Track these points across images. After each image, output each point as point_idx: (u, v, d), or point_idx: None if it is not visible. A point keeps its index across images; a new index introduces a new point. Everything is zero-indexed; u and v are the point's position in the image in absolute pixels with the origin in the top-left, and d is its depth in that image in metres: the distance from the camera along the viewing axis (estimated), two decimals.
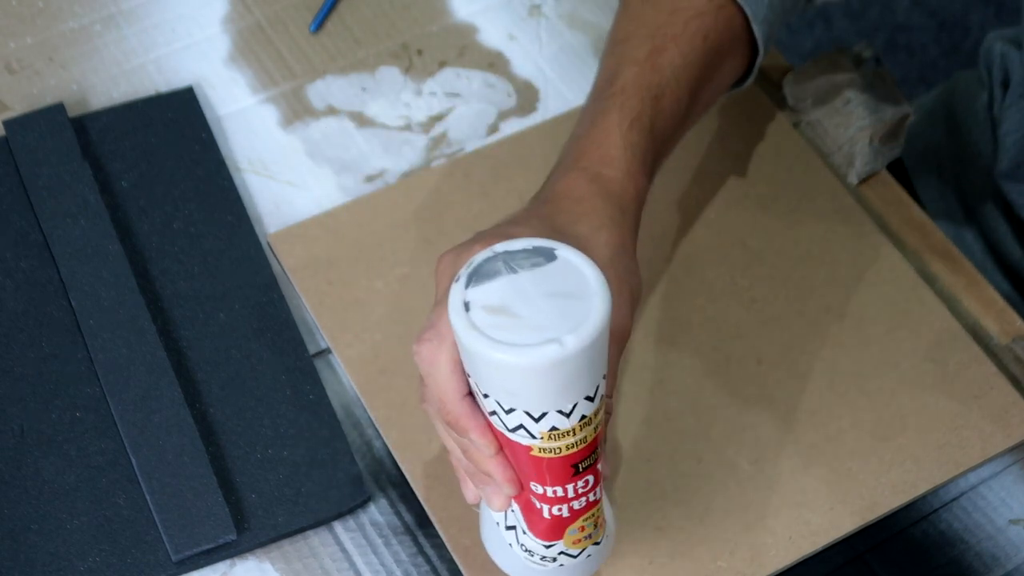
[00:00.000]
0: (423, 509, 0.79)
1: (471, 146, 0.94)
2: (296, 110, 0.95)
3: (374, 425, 0.82)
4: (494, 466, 0.66)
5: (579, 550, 0.70)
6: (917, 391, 0.84)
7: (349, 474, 0.80)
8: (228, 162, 0.92)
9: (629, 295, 0.71)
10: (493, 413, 0.64)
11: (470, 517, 0.78)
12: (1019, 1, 1.01)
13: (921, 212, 0.92)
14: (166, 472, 0.79)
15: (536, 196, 0.75)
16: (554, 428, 0.63)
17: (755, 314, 0.86)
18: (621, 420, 0.82)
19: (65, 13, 0.99)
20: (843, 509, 0.79)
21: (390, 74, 0.97)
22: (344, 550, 0.79)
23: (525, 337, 0.61)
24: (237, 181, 0.91)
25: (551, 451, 0.64)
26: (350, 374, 0.83)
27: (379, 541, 0.79)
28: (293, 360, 0.84)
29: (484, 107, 0.96)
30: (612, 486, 0.79)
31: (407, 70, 0.97)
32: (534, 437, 0.64)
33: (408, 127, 0.95)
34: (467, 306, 0.62)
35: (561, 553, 0.70)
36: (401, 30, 0.99)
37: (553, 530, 0.69)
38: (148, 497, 0.78)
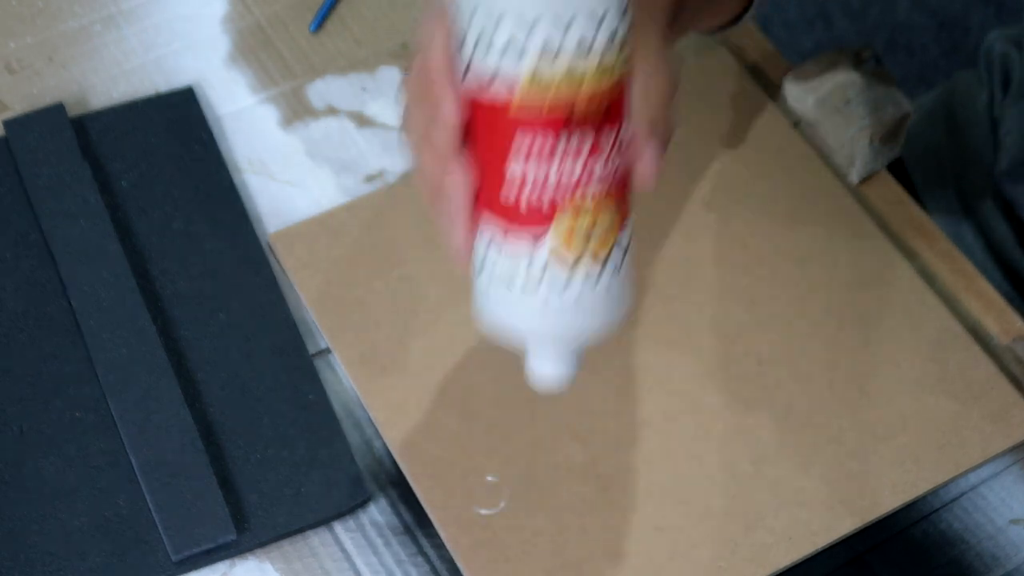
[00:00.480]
0: (423, 509, 0.79)
1: None
2: (296, 110, 0.95)
3: (374, 425, 0.82)
4: (452, 163, 0.58)
5: (570, 267, 0.58)
6: (917, 391, 0.84)
7: (349, 474, 0.80)
8: (228, 162, 0.92)
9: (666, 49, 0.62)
10: (471, 69, 0.56)
11: (470, 517, 0.78)
12: (1020, 1, 1.00)
13: (921, 212, 0.92)
14: (166, 472, 0.79)
15: None
16: (544, 53, 0.54)
17: (755, 314, 0.86)
18: (621, 420, 0.82)
19: (65, 13, 0.99)
20: (843, 509, 0.79)
21: (390, 74, 0.97)
22: (344, 550, 0.79)
23: None
24: (237, 181, 0.91)
25: (536, 99, 0.55)
26: (350, 374, 0.83)
27: (379, 541, 0.79)
28: (293, 360, 0.84)
29: None
30: (614, 484, 0.79)
31: (407, 70, 0.97)
32: (519, 68, 0.55)
33: None
34: None
35: (548, 263, 0.58)
36: (401, 30, 0.99)
37: (535, 217, 0.57)
38: (148, 497, 0.78)
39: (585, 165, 0.57)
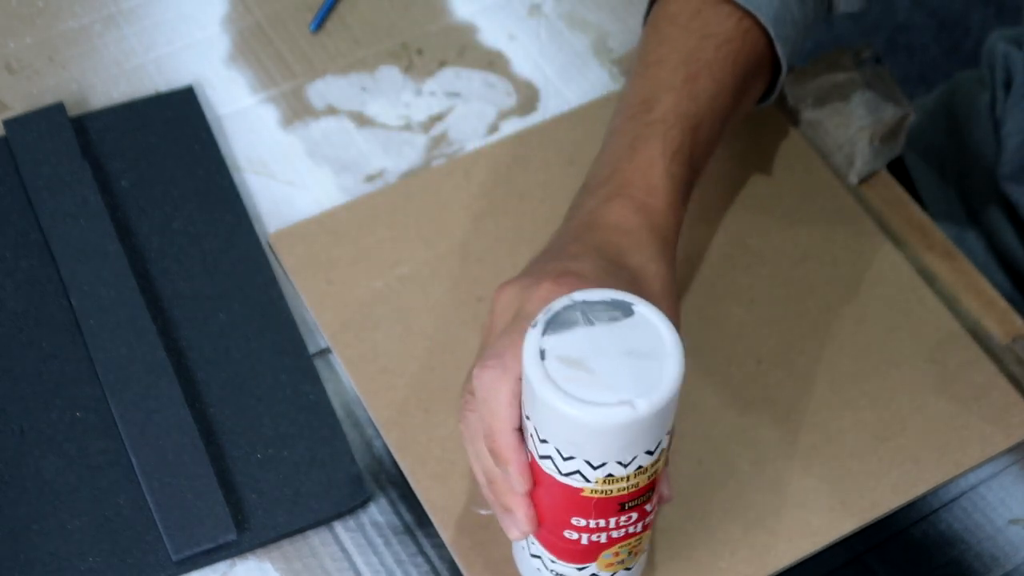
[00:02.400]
0: (423, 509, 0.79)
1: (471, 146, 0.94)
2: (296, 110, 0.95)
3: (374, 425, 0.82)
4: (519, 504, 0.68)
5: (611, 572, 0.71)
6: (917, 391, 0.84)
7: (349, 474, 0.80)
8: (228, 162, 0.92)
9: (676, 322, 0.72)
10: (546, 457, 0.65)
11: (470, 517, 0.78)
12: (1020, 1, 1.00)
13: (921, 212, 0.92)
14: (166, 472, 0.79)
15: (578, 217, 0.75)
16: (610, 475, 0.65)
17: (755, 314, 0.86)
18: None
19: (65, 13, 0.99)
20: (843, 509, 0.79)
21: (390, 74, 0.97)
22: (344, 550, 0.79)
23: (598, 396, 0.62)
24: (237, 181, 0.91)
25: (602, 492, 0.65)
26: (350, 374, 0.83)
27: (379, 541, 0.79)
28: (293, 360, 0.84)
29: (484, 107, 0.96)
30: None
31: (407, 70, 0.97)
32: (588, 481, 0.65)
33: (408, 127, 0.95)
34: (543, 354, 0.63)
35: (593, 575, 0.71)
36: (401, 30, 0.99)
37: (587, 555, 0.70)
38: (148, 497, 0.78)
39: (631, 525, 0.68)
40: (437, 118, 0.95)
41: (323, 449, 0.81)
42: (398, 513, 0.80)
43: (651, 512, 0.69)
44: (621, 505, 0.66)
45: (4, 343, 0.83)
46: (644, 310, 0.65)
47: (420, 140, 0.94)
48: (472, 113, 0.95)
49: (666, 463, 0.68)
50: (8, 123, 0.91)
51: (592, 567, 0.70)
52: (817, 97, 0.93)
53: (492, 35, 0.99)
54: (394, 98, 0.96)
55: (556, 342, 0.63)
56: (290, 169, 0.93)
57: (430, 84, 0.96)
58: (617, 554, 0.70)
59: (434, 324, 0.85)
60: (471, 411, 0.70)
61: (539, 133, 0.94)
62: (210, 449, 0.80)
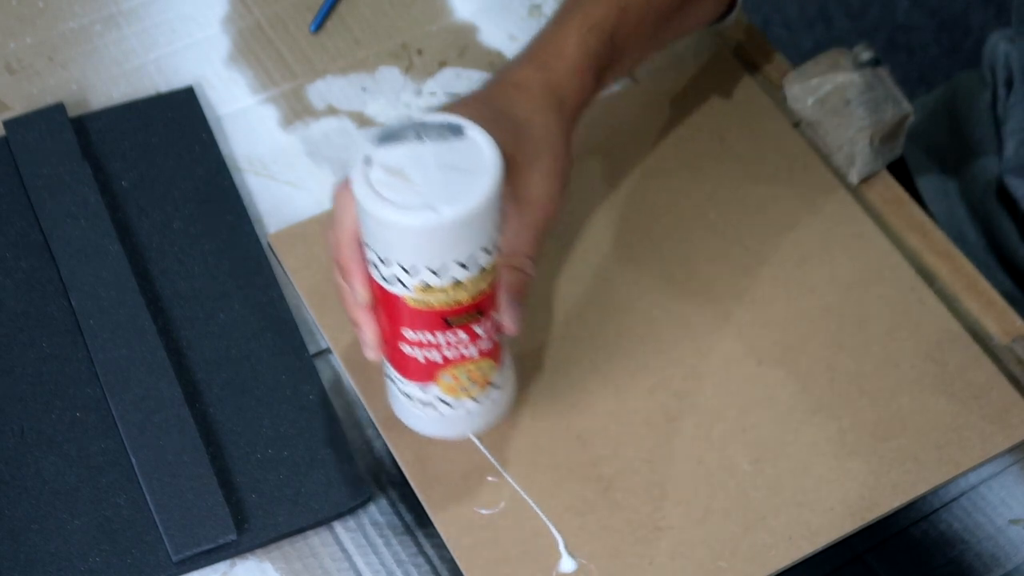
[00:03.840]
0: (423, 509, 0.79)
1: None
2: (296, 110, 0.95)
3: (374, 425, 0.82)
4: (362, 318, 0.73)
5: (455, 399, 0.76)
6: (917, 391, 0.84)
7: (349, 474, 0.80)
8: (228, 162, 0.92)
9: (560, 173, 0.75)
10: (372, 265, 0.70)
11: (470, 517, 0.78)
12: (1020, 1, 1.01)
13: (921, 212, 0.92)
14: (166, 472, 0.79)
15: (489, 81, 0.80)
16: (426, 284, 0.69)
17: (755, 314, 0.86)
18: (622, 420, 0.82)
19: (65, 13, 0.99)
20: (843, 509, 0.79)
21: (390, 74, 0.97)
22: (344, 550, 0.79)
23: (409, 200, 0.66)
24: (237, 181, 0.91)
25: (423, 303, 0.70)
26: (350, 374, 0.83)
27: (379, 541, 0.79)
28: (293, 360, 0.84)
29: None
30: (614, 485, 0.79)
31: (407, 70, 0.97)
32: (407, 289, 0.69)
33: None
34: (368, 160, 0.68)
35: (438, 399, 0.75)
36: (401, 30, 0.99)
37: (425, 373, 0.74)
38: (148, 497, 0.78)
39: (462, 346, 0.72)
40: None
41: (323, 449, 0.81)
42: (398, 513, 0.80)
43: (484, 338, 0.73)
44: (446, 320, 0.71)
45: (4, 343, 0.83)
46: (475, 133, 0.68)
47: None
48: None
49: (521, 284, 0.73)
50: (8, 123, 0.91)
51: (435, 389, 0.75)
52: (817, 98, 0.93)
53: (492, 35, 0.99)
54: (394, 98, 0.96)
55: (384, 153, 0.68)
56: (290, 169, 0.93)
57: (430, 84, 0.96)
58: (456, 378, 0.74)
59: None
60: (333, 257, 0.74)
61: None
62: (210, 449, 0.80)
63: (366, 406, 0.83)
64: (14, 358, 0.83)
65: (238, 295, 0.86)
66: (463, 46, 0.99)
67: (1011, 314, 0.88)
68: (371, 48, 0.98)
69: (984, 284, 0.89)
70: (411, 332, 0.72)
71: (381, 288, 0.70)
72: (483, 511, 0.78)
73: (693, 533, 0.78)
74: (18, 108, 0.94)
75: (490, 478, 0.80)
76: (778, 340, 0.85)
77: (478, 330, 0.72)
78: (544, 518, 0.78)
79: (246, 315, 0.85)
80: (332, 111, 0.95)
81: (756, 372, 0.84)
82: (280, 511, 0.79)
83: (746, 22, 0.99)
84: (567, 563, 0.77)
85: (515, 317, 0.74)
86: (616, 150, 0.93)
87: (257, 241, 0.88)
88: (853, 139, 0.91)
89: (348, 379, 0.84)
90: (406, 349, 0.73)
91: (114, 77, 0.96)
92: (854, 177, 0.92)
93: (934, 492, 0.81)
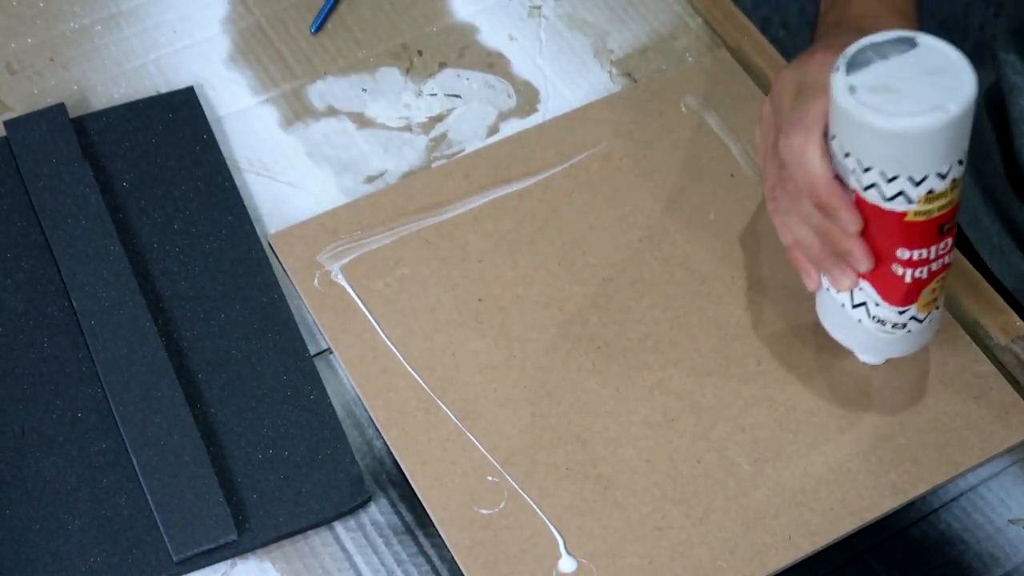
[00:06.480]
0: (423, 509, 0.79)
1: (471, 146, 0.94)
2: (296, 111, 0.95)
3: (374, 425, 0.82)
4: (856, 243, 0.74)
5: (926, 313, 0.78)
6: (917, 391, 0.84)
7: (349, 474, 0.80)
8: (228, 162, 0.92)
9: None
10: (870, 187, 0.72)
11: (470, 517, 0.78)
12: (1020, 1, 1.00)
13: None
14: (167, 472, 0.79)
15: (822, 27, 0.85)
16: (931, 191, 0.71)
17: (755, 314, 0.86)
18: (622, 420, 0.82)
19: (66, 14, 0.99)
20: (843, 509, 0.79)
21: (390, 75, 0.97)
22: (344, 550, 0.79)
23: (912, 108, 0.69)
24: (237, 181, 0.91)
25: (924, 213, 0.72)
26: (350, 374, 0.84)
27: (379, 541, 0.79)
28: (293, 360, 0.84)
29: (484, 108, 0.96)
30: (614, 485, 0.79)
31: (407, 71, 0.97)
32: (911, 202, 0.72)
33: (408, 128, 0.95)
34: (852, 89, 0.70)
35: (912, 318, 0.78)
36: (401, 30, 0.99)
37: (910, 294, 0.76)
38: (149, 497, 0.78)
39: (946, 255, 0.75)
40: (437, 119, 0.95)
41: (323, 449, 0.81)
42: (398, 513, 0.80)
43: (954, 243, 0.76)
44: (940, 228, 0.73)
45: (5, 343, 0.83)
46: (928, 40, 0.72)
47: (420, 141, 0.94)
48: (472, 114, 0.95)
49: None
50: (9, 124, 0.91)
51: (912, 309, 0.77)
52: None
53: (492, 36, 0.99)
54: (394, 99, 0.96)
55: (860, 78, 0.71)
56: (290, 170, 0.93)
57: (430, 85, 0.97)
58: (934, 291, 0.77)
59: (434, 324, 0.85)
60: (781, 188, 0.77)
61: (539, 133, 0.94)
62: (210, 449, 0.80)
63: (366, 406, 0.83)
64: (14, 358, 0.83)
65: (238, 295, 0.86)
66: (463, 46, 0.99)
67: (1011, 314, 0.88)
68: (371, 49, 0.98)
69: (984, 284, 0.89)
70: (906, 251, 0.74)
71: (877, 210, 0.73)
72: (483, 511, 0.78)
73: (693, 533, 0.78)
74: (19, 108, 0.94)
75: (490, 478, 0.80)
76: (778, 340, 0.85)
77: (953, 237, 0.75)
78: (544, 518, 0.78)
79: (246, 315, 0.85)
80: (332, 111, 0.95)
81: (756, 372, 0.84)
82: (280, 511, 0.79)
83: (746, 22, 0.99)
84: (567, 563, 0.77)
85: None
86: (616, 150, 0.93)
87: (257, 241, 0.88)
88: None
89: (348, 379, 0.84)
90: (896, 270, 0.75)
91: (114, 77, 0.96)
92: None
93: (934, 492, 0.81)
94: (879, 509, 0.79)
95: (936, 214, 0.73)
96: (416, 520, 0.80)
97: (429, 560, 0.79)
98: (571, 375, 0.83)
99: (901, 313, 0.77)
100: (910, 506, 0.81)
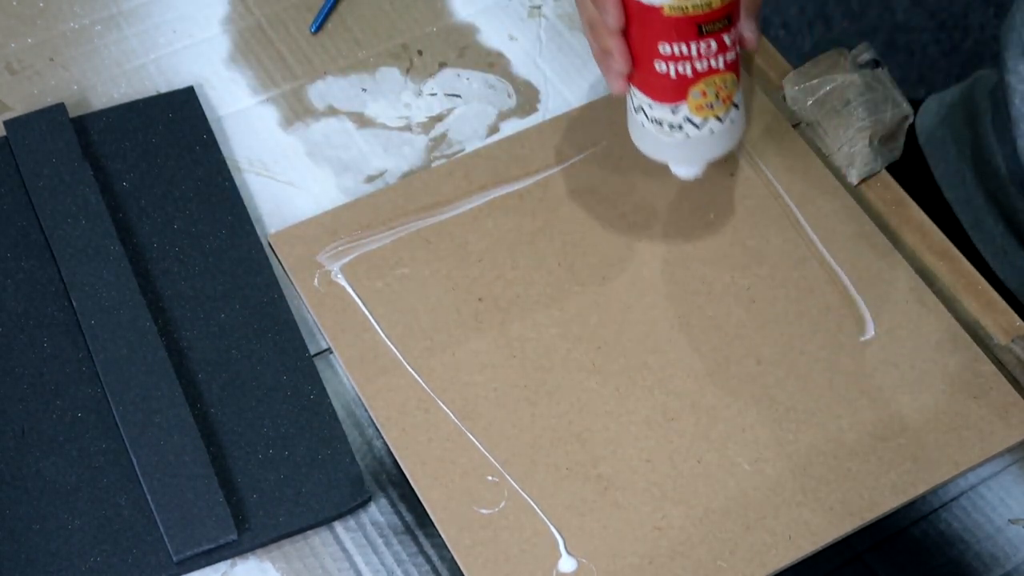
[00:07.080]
0: (423, 509, 0.79)
1: (471, 146, 0.94)
2: (296, 110, 0.95)
3: (374, 425, 0.82)
4: (616, 43, 0.79)
5: (702, 118, 0.81)
6: (917, 391, 0.84)
7: (349, 474, 0.80)
8: (228, 162, 0.92)
9: None
10: None
11: (470, 517, 0.78)
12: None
13: (921, 212, 0.92)
14: (167, 472, 0.79)
15: None
16: None
17: (755, 314, 0.86)
18: (621, 420, 0.82)
19: (66, 13, 0.99)
20: (843, 509, 0.79)
21: (390, 74, 0.97)
22: (345, 550, 0.79)
23: None
24: (237, 181, 0.91)
25: (679, 9, 0.77)
26: (350, 374, 0.84)
27: (380, 541, 0.79)
28: (293, 360, 0.84)
29: (484, 107, 0.96)
30: (614, 484, 0.79)
31: (407, 70, 0.97)
32: None
33: (408, 127, 0.95)
34: None
35: (686, 119, 0.81)
36: (401, 30, 0.99)
37: (676, 91, 0.80)
38: (149, 497, 0.78)
39: (711, 57, 0.78)
40: (437, 119, 0.95)
41: (323, 449, 0.81)
42: (398, 513, 0.80)
43: (731, 49, 0.79)
44: (699, 27, 0.77)
45: (5, 343, 0.83)
46: None
47: (420, 141, 0.94)
48: (472, 114, 0.95)
49: (747, 5, 0.79)
50: (9, 123, 0.91)
51: (684, 108, 0.80)
52: (817, 98, 0.93)
53: (492, 36, 0.99)
54: (394, 99, 0.96)
55: None
56: (290, 169, 0.93)
57: (430, 85, 0.97)
58: (704, 94, 0.80)
59: (434, 324, 0.85)
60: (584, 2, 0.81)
61: (539, 133, 0.94)
62: (210, 449, 0.80)
63: (366, 406, 0.83)
64: (14, 358, 0.83)
65: (238, 295, 0.86)
66: (463, 46, 0.99)
67: (1011, 314, 0.88)
68: (371, 49, 0.98)
69: (984, 284, 0.89)
70: (666, 46, 0.78)
71: (639, 6, 0.77)
72: (483, 511, 0.78)
73: (693, 533, 0.78)
74: (19, 108, 0.94)
75: (490, 478, 0.80)
76: (778, 340, 0.85)
77: (726, 39, 0.78)
78: (544, 518, 0.78)
79: (246, 315, 0.85)
80: (332, 111, 0.95)
81: (756, 372, 0.84)
82: (280, 511, 0.79)
83: None
84: (567, 563, 0.77)
85: (755, 29, 0.80)
86: (616, 150, 0.93)
87: (257, 241, 0.88)
88: (853, 139, 0.91)
89: (348, 379, 0.84)
90: (659, 67, 0.79)
91: (114, 77, 0.96)
92: (854, 177, 0.92)
93: (934, 492, 0.81)
94: (879, 509, 0.79)
95: (691, 12, 0.77)
96: (416, 520, 0.80)
97: (429, 560, 0.79)
98: (571, 375, 0.83)
99: (674, 112, 0.80)
100: (910, 506, 0.81)
